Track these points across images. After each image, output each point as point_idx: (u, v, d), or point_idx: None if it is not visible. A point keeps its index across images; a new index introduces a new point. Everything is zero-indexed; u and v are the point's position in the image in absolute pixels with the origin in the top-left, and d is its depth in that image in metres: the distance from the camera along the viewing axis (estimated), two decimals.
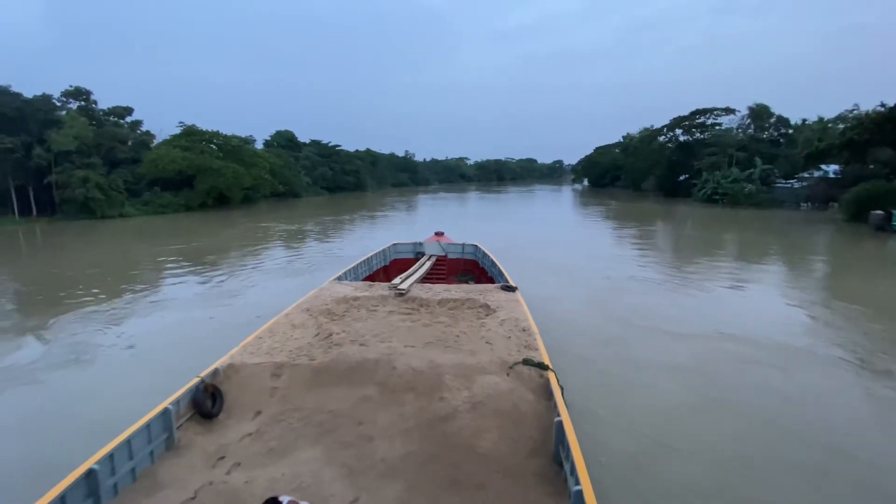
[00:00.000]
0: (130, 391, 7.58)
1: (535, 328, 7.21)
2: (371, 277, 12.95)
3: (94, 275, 17.72)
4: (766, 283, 15.43)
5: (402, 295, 9.08)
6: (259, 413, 5.47)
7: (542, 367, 5.85)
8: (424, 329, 7.24)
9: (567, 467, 4.26)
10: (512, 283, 9.99)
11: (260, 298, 13.41)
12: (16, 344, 10.41)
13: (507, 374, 5.71)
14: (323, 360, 6.13)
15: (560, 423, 4.61)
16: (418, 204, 57.19)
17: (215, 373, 5.85)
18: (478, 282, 12.72)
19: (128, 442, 4.45)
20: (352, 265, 12.31)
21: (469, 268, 14.10)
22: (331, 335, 6.96)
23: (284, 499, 3.27)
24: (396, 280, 10.08)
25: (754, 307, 12.58)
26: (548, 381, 5.62)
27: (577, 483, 3.75)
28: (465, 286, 10.18)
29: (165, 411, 4.96)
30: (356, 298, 8.88)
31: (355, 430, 5.02)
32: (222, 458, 4.82)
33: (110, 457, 4.23)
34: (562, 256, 19.80)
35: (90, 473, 3.99)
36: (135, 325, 11.41)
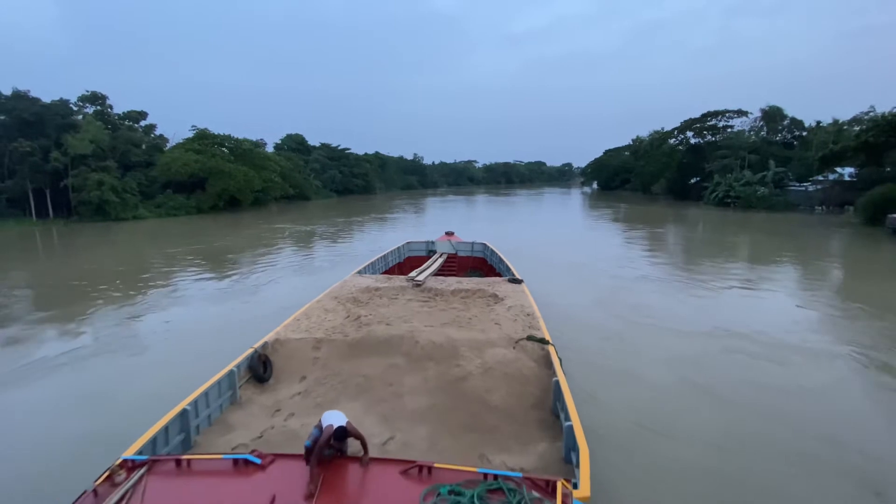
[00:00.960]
0: (177, 368, 8.77)
1: (538, 313, 8.33)
2: (387, 272, 14.15)
3: (125, 272, 19.08)
4: (778, 287, 15.60)
5: (418, 286, 10.27)
6: (304, 378, 6.66)
7: (543, 341, 6.98)
8: (441, 313, 8.41)
9: (562, 415, 5.38)
10: (518, 276, 11.13)
11: (284, 292, 14.64)
12: (74, 332, 11.73)
13: (514, 347, 6.85)
14: (355, 336, 7.31)
15: (557, 383, 5.74)
16: (427, 206, 58.51)
17: (264, 345, 7.05)
18: (486, 277, 13.85)
19: (205, 394, 5.66)
20: (369, 261, 13.55)
21: (478, 265, 15.26)
22: (359, 317, 8.16)
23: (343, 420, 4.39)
24: (413, 273, 11.27)
25: (764, 309, 12.78)
26: (548, 353, 6.73)
27: (568, 419, 4.88)
28: (475, 279, 11.37)
29: (231, 372, 6.17)
30: (377, 289, 10.08)
31: (387, 389, 6.18)
32: (278, 410, 6.00)
33: (195, 403, 5.43)
34: (570, 258, 20.70)
35: (183, 413, 5.20)
36: (177, 314, 12.70)
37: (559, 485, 3.55)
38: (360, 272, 12.26)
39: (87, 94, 46.26)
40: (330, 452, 3.97)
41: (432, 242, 16.11)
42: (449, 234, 17.23)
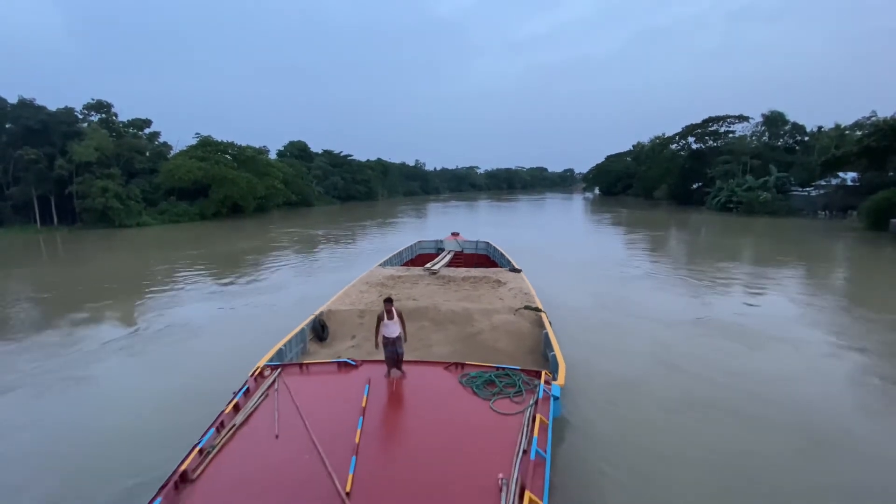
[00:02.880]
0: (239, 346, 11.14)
1: (533, 292, 10.81)
2: (402, 266, 16.67)
3: (160, 272, 21.44)
4: (775, 287, 16.32)
5: (434, 274, 12.80)
6: (354, 336, 9.10)
7: (537, 310, 9.43)
8: (455, 293, 10.92)
9: (549, 354, 7.81)
10: (517, 266, 13.66)
11: (313, 283, 16.94)
12: (126, 320, 14.15)
13: (514, 314, 9.31)
14: None
15: (546, 335, 8.18)
16: (430, 212, 61.05)
17: (321, 314, 9.51)
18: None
19: (290, 341, 8.09)
20: (386, 257, 16.08)
21: (482, 261, 17.77)
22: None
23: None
24: (428, 265, 13.81)
25: (756, 305, 13.81)
26: (541, 318, 9.18)
27: (552, 351, 7.31)
28: (481, 269, 13.92)
29: (302, 330, 8.62)
30: (399, 276, 12.59)
31: (419, 342, 8.62)
32: (339, 357, 8.42)
33: (284, 346, 7.85)
34: (569, 259, 22.61)
35: (280, 352, 7.62)
36: (232, 302, 14.99)
37: (543, 374, 5.99)
38: (380, 265, 14.79)
39: (92, 102, 48.78)
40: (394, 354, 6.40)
41: (441, 241, 18.69)
42: (455, 234, 19.85)
